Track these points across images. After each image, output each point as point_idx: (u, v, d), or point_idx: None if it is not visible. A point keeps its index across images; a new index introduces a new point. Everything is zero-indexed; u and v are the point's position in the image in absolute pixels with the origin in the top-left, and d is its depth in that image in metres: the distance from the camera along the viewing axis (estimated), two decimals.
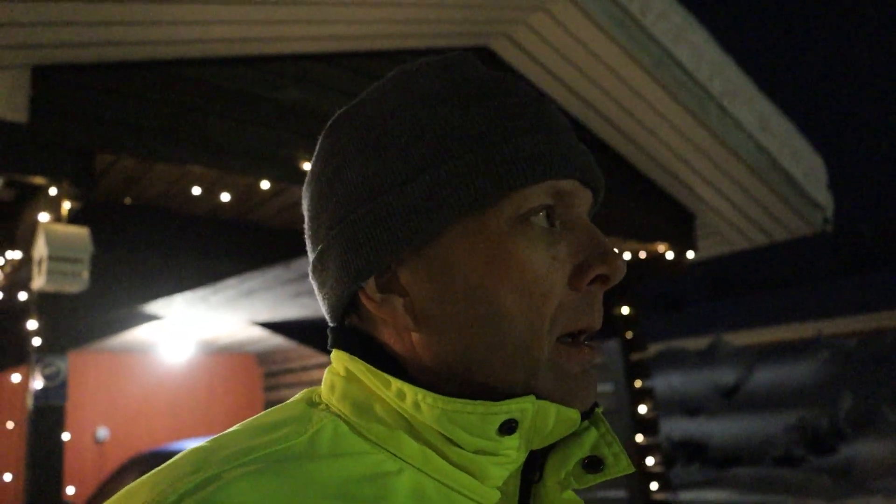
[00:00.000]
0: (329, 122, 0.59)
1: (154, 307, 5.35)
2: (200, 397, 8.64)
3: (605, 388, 5.42)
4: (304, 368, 8.41)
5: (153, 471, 0.47)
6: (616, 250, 0.51)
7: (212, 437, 0.50)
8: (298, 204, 3.54)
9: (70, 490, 3.36)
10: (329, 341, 0.57)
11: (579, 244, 0.52)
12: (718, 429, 10.22)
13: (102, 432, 7.78)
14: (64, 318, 2.98)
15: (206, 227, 3.41)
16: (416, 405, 0.48)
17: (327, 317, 0.59)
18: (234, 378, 8.99)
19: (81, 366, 7.70)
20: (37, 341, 2.88)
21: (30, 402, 2.90)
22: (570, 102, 4.25)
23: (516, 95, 0.54)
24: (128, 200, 3.01)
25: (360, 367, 0.52)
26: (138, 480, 0.47)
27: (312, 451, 0.47)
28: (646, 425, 5.31)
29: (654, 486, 5.17)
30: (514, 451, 0.49)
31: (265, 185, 2.99)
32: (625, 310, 5.35)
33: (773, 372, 10.07)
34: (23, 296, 3.00)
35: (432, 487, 0.48)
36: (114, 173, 2.90)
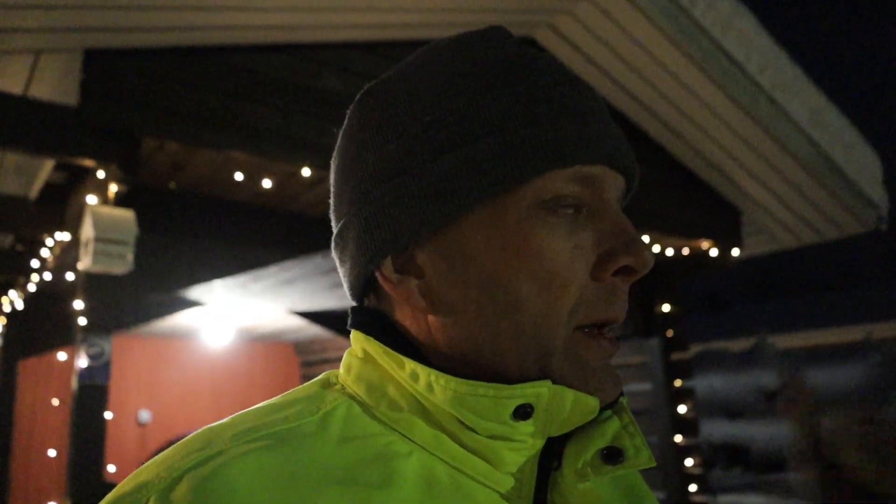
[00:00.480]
0: (357, 97, 0.58)
1: (195, 293, 5.45)
2: (240, 384, 8.79)
3: (643, 387, 5.33)
4: (341, 359, 8.48)
5: (170, 448, 0.47)
6: (645, 240, 0.51)
7: (226, 419, 0.50)
8: None
9: (111, 468, 3.44)
10: (349, 321, 0.57)
11: (605, 233, 0.50)
12: (760, 432, 10.01)
13: (144, 415, 7.97)
14: (108, 300, 3.05)
15: (247, 215, 3.45)
16: (430, 387, 0.48)
17: (348, 294, 0.58)
18: (272, 366, 9.13)
19: (126, 349, 7.89)
20: (82, 321, 2.95)
21: (74, 380, 2.97)
22: (615, 94, 4.17)
23: (546, 76, 0.52)
24: (172, 185, 3.05)
25: (375, 348, 0.52)
26: (154, 458, 0.47)
27: (322, 432, 0.46)
28: (685, 426, 5.21)
29: (692, 487, 5.07)
30: (529, 437, 0.48)
31: (306, 172, 3.00)
32: (666, 307, 5.25)
33: (820, 375, 9.80)
34: (70, 277, 3.08)
35: (443, 471, 0.48)
36: (159, 157, 2.94)
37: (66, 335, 3.25)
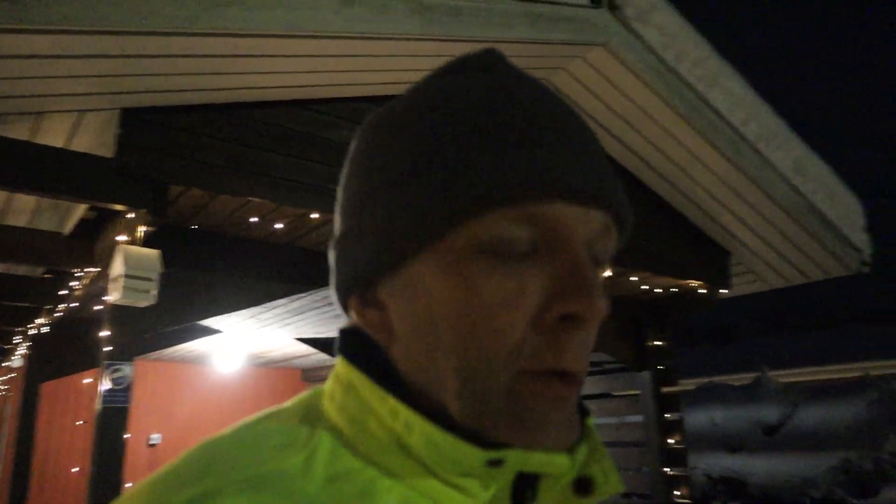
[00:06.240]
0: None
1: (209, 322, 5.73)
2: (248, 408, 9.01)
3: (635, 419, 5.53)
4: None
5: (155, 475, 0.47)
6: (598, 287, 0.46)
7: (210, 440, 0.49)
8: None
9: (129, 486, 3.65)
10: (336, 344, 0.56)
11: (555, 276, 0.46)
12: (760, 466, 10.08)
13: (155, 437, 8.20)
14: (131, 329, 3.33)
15: (260, 251, 3.73)
16: (408, 426, 0.47)
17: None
18: (280, 391, 9.34)
19: (139, 374, 8.17)
20: (107, 348, 3.22)
21: (98, 403, 3.23)
22: (608, 143, 4.45)
23: (511, 104, 0.49)
24: (195, 226, 3.34)
25: (360, 380, 0.50)
26: (142, 482, 0.46)
27: (308, 472, 0.45)
28: (674, 457, 5.40)
29: None
30: (500, 476, 0.47)
31: (315, 215, 3.28)
32: (657, 342, 5.47)
33: (819, 411, 9.91)
34: (97, 307, 3.35)
35: None
36: (183, 201, 3.23)
37: (90, 360, 3.52)
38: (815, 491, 8.69)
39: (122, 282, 2.92)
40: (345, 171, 0.56)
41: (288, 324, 6.42)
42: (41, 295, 4.60)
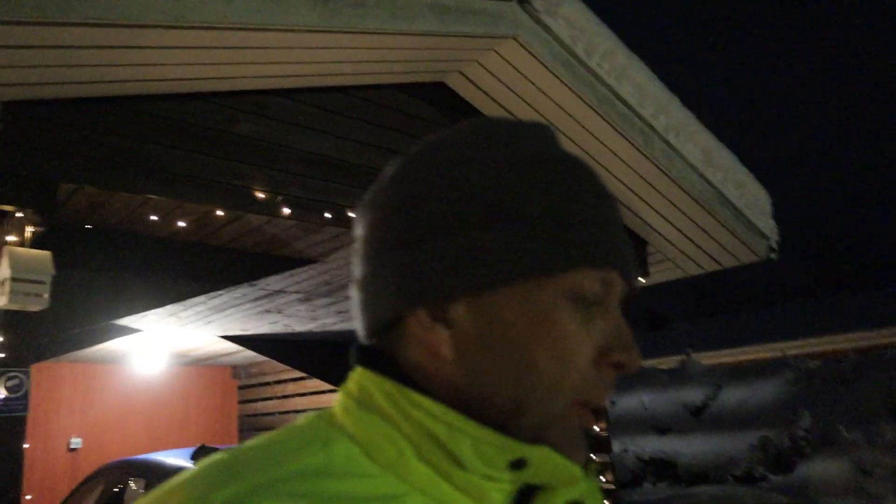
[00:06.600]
0: (416, 148, 0.63)
1: (126, 321, 5.54)
2: (176, 408, 8.78)
3: None
4: (279, 381, 8.56)
5: (175, 483, 0.50)
6: (636, 345, 0.59)
7: (230, 451, 0.53)
8: (255, 230, 3.76)
9: (28, 497, 3.52)
10: (352, 358, 0.61)
11: (608, 330, 0.57)
12: (687, 447, 10.40)
13: (76, 441, 7.91)
14: (28, 334, 3.18)
15: (167, 249, 3.62)
16: (451, 426, 0.53)
17: (362, 332, 0.62)
18: (209, 390, 9.14)
19: (56, 376, 7.86)
20: (0, 355, 3.07)
21: None
22: None
23: (591, 182, 0.60)
24: (88, 226, 3.21)
25: (385, 387, 0.56)
26: (169, 486, 0.51)
27: (327, 473, 0.50)
28: (600, 443, 5.52)
29: None
30: (515, 482, 0.55)
31: (219, 212, 3.20)
32: None
33: (740, 391, 10.30)
34: None
35: None
36: (78, 198, 3.10)
37: None
38: (737, 469, 9.03)
39: (9, 286, 2.78)
40: (407, 187, 0.59)
41: (210, 321, 6.27)
42: None
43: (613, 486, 5.48)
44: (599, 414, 0.62)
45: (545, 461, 0.54)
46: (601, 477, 5.42)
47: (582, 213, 0.57)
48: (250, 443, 0.54)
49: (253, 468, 0.49)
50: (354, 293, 0.62)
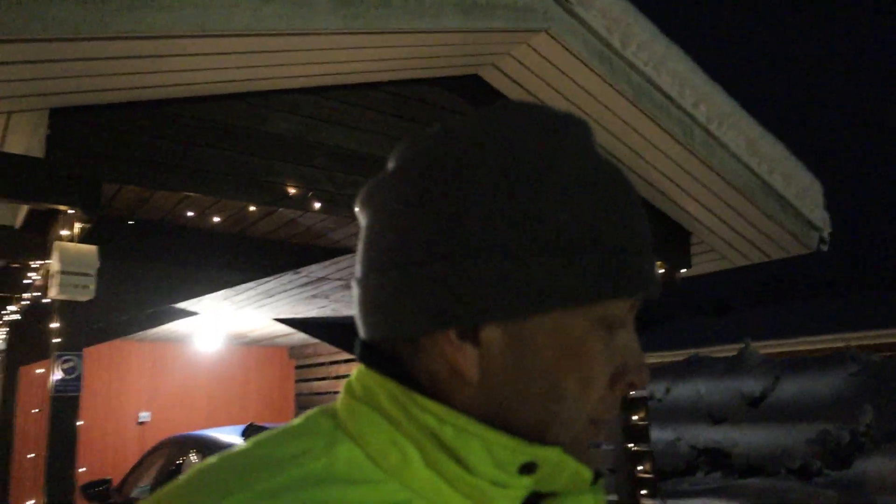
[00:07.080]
0: (462, 147, 0.55)
1: (184, 305, 5.85)
2: (235, 385, 9.19)
3: None
4: (334, 362, 8.85)
5: (180, 486, 0.51)
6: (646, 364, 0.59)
7: (228, 454, 0.53)
8: (289, 223, 3.91)
9: (82, 470, 3.80)
10: (359, 353, 0.58)
11: (622, 349, 0.56)
12: (743, 437, 10.20)
13: (144, 415, 8.40)
14: (80, 321, 3.42)
15: (208, 241, 3.81)
16: (457, 429, 0.52)
17: (365, 331, 0.58)
18: (267, 369, 9.51)
19: (126, 354, 8.34)
20: (56, 340, 3.33)
21: (51, 392, 3.34)
22: None
23: (628, 200, 0.57)
24: (132, 221, 3.42)
25: (390, 389, 0.54)
26: (167, 491, 0.51)
27: (331, 475, 0.49)
28: (637, 433, 5.50)
29: (643, 492, 5.36)
30: (524, 488, 0.54)
31: (252, 208, 3.35)
32: None
33: (799, 383, 10.00)
34: (46, 301, 3.45)
35: None
36: (123, 196, 3.31)
37: (44, 351, 3.63)
38: (792, 462, 8.81)
39: (58, 278, 3.01)
40: (453, 191, 0.54)
41: (263, 305, 6.53)
42: (10, 284, 4.71)
43: (651, 476, 5.47)
44: (604, 428, 0.61)
45: (556, 463, 0.54)
46: (640, 467, 5.41)
47: (623, 238, 0.54)
48: (251, 443, 0.54)
49: (257, 474, 0.49)
50: (360, 292, 0.58)
